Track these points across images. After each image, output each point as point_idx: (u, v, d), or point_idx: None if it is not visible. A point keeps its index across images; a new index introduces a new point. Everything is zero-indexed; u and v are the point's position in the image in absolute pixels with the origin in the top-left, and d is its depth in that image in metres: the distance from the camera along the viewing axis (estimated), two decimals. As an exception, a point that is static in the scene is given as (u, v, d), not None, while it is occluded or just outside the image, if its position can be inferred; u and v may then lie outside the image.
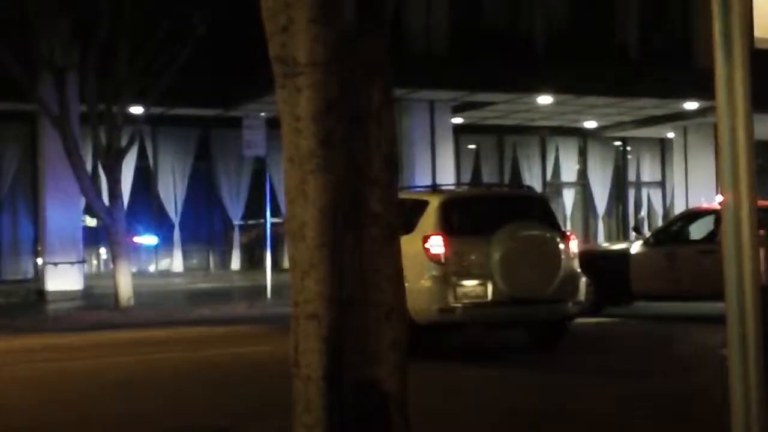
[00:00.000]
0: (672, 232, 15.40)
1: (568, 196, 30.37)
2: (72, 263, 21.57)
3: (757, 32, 3.60)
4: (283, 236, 25.62)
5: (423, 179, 23.83)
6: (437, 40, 23.92)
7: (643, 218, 31.88)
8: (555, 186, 30.08)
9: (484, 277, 10.71)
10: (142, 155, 24.33)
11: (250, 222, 25.79)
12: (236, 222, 25.64)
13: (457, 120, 25.69)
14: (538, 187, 29.36)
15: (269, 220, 20.76)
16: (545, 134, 29.18)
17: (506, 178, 28.96)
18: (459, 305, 10.63)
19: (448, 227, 10.95)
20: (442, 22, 24.11)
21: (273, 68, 4.36)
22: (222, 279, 24.28)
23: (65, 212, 21.95)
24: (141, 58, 19.00)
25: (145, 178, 24.60)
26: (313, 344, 4.26)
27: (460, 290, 10.65)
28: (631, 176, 31.73)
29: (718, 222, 14.44)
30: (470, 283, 10.69)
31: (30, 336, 14.60)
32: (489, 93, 23.60)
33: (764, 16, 3.63)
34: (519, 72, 22.67)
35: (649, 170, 31.89)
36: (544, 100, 24.15)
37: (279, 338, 11.65)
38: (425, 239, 10.75)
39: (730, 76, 3.55)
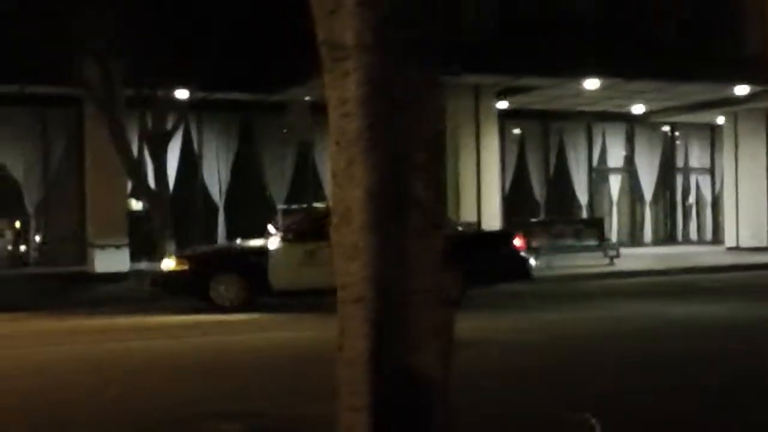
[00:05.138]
0: (303, 228, 15.48)
1: (615, 183, 30.12)
2: (118, 246, 21.77)
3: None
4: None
5: (468, 165, 23.71)
6: (483, 24, 23.75)
7: (691, 205, 31.54)
8: (601, 172, 29.85)
9: None
10: (186, 140, 24.46)
11: (294, 206, 25.85)
12: (280, 206, 25.71)
13: (503, 105, 25.53)
14: (584, 173, 29.17)
15: (314, 204, 20.77)
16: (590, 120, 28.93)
17: (552, 164, 28.77)
18: None
19: None
20: (488, 5, 23.93)
21: (320, 52, 4.32)
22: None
23: (111, 196, 22.12)
24: (185, 43, 19.05)
25: (189, 163, 24.73)
26: (358, 328, 4.23)
27: None
28: (680, 162, 31.41)
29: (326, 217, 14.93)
30: None
31: (77, 317, 14.75)
32: (535, 77, 23.41)
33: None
34: (566, 56, 22.46)
35: (697, 156, 31.55)
36: (591, 84, 23.91)
37: (322, 323, 11.65)
38: None
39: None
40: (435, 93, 4.39)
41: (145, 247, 22.56)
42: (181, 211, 22.58)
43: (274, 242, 15.45)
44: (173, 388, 8.71)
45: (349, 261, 4.26)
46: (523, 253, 15.88)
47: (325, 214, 16.17)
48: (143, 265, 21.47)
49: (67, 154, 23.66)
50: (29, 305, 16.25)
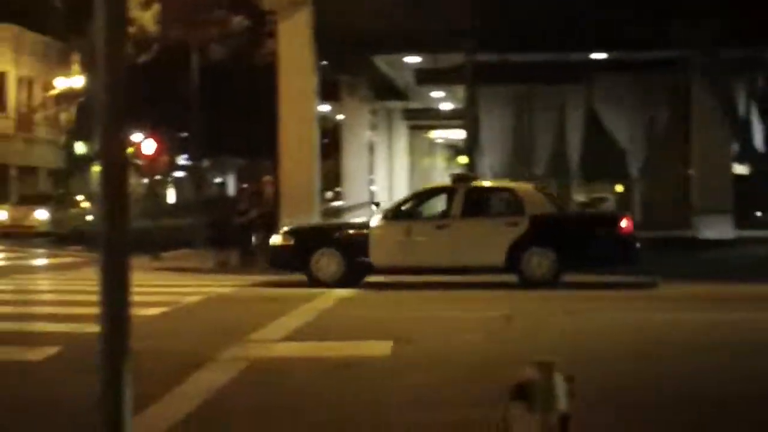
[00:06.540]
0: (409, 208, 15.55)
1: None
2: (721, 211, 21.28)
3: None
4: None
5: None
6: None
7: None
8: None
9: None
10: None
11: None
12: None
13: None
14: None
15: None
16: None
17: None
18: None
19: None
20: None
21: None
22: None
23: (713, 159, 21.67)
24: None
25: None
26: None
27: None
28: None
29: (451, 198, 15.07)
30: None
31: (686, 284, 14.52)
32: None
33: None
34: None
35: None
36: None
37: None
38: None
39: None
40: None
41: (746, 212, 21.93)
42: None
43: (375, 220, 15.46)
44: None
45: None
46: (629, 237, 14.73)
47: (424, 193, 15.79)
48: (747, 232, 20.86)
49: (671, 118, 23.70)
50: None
